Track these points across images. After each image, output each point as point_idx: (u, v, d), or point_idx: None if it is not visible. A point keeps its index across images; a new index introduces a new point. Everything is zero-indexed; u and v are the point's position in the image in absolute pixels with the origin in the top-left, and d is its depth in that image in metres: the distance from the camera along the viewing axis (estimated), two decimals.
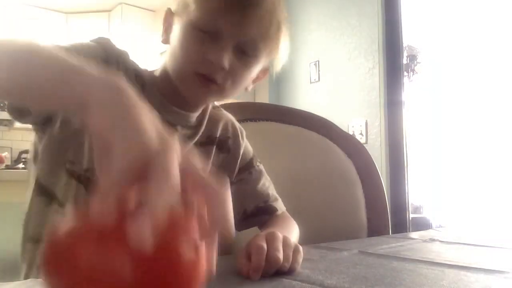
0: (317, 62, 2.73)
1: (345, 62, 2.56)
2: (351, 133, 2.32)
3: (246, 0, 0.63)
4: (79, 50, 0.59)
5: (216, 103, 0.83)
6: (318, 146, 1.09)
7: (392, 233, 1.11)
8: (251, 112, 1.05)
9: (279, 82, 3.00)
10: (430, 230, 1.01)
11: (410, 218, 2.34)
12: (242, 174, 0.79)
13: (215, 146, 0.76)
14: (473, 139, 4.53)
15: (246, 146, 0.82)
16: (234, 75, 0.65)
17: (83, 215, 0.27)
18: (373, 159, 1.13)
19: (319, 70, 2.72)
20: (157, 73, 0.72)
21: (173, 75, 0.67)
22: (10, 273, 0.65)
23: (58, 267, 0.27)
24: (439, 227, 3.56)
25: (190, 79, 0.65)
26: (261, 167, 0.83)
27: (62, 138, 0.62)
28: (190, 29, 0.64)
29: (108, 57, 0.65)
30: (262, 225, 0.79)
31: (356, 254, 0.63)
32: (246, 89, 0.72)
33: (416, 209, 4.07)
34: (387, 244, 0.73)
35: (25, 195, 0.66)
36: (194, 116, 0.73)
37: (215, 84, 0.64)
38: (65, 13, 3.91)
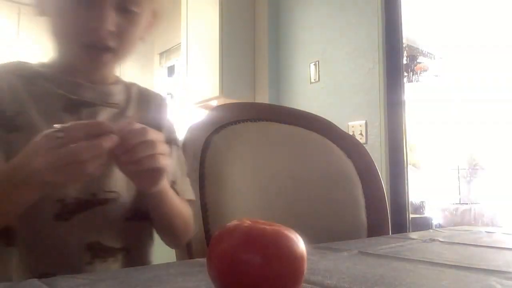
0: (317, 62, 2.73)
1: (345, 62, 2.56)
2: (351, 133, 2.32)
3: None
4: None
5: (216, 104, 0.82)
6: (318, 146, 1.09)
7: (392, 233, 1.11)
8: (251, 112, 1.05)
9: (279, 82, 3.00)
10: (430, 230, 1.01)
11: (410, 218, 2.34)
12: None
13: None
14: (473, 139, 4.53)
15: (170, 121, 0.78)
16: (123, 34, 0.62)
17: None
18: (373, 159, 1.13)
19: (319, 70, 2.72)
20: (51, 60, 0.67)
21: (62, 53, 0.64)
22: None
23: (213, 257, 0.36)
24: (439, 227, 3.56)
25: (80, 52, 0.61)
26: (180, 149, 0.79)
27: None
28: None
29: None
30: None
31: (356, 254, 0.63)
32: (142, 39, 0.69)
33: (416, 209, 4.07)
34: (387, 244, 0.73)
35: None
36: (115, 88, 0.69)
37: (107, 50, 0.61)
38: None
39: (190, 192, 0.77)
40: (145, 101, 0.76)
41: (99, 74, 0.68)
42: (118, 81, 0.73)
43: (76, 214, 0.61)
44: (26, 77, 0.64)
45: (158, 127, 0.72)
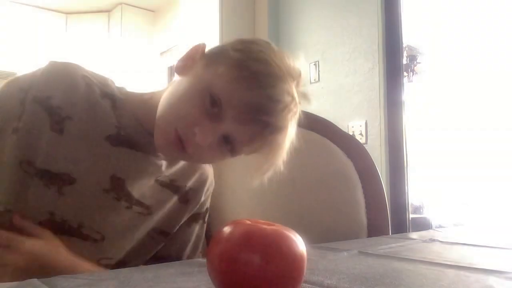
0: (317, 62, 2.73)
1: (345, 62, 2.56)
2: (351, 133, 2.32)
3: (269, 120, 0.60)
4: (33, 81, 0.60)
5: None
6: (318, 146, 1.09)
7: (392, 233, 1.11)
8: None
9: None
10: (430, 230, 1.01)
11: (410, 218, 2.34)
12: (184, 223, 0.76)
13: (177, 196, 0.73)
14: (473, 139, 4.53)
15: (206, 199, 0.79)
16: (208, 154, 0.63)
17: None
18: (373, 159, 1.13)
19: (319, 70, 2.72)
20: (146, 97, 0.68)
21: (157, 116, 0.64)
22: None
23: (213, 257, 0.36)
24: (439, 227, 3.56)
25: (167, 132, 0.61)
26: (204, 225, 0.80)
27: None
28: (205, 89, 0.60)
29: (56, 75, 0.63)
30: None
31: (356, 254, 0.63)
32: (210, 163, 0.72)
33: (416, 209, 4.08)
34: (387, 244, 0.73)
35: None
36: (164, 164, 0.70)
37: (186, 152, 0.61)
38: (65, 13, 3.90)
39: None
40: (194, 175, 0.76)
41: (158, 152, 0.67)
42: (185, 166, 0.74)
43: (56, 233, 0.61)
44: (98, 90, 0.65)
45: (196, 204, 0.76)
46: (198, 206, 0.77)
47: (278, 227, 0.37)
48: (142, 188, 0.67)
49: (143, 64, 4.07)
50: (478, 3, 3.75)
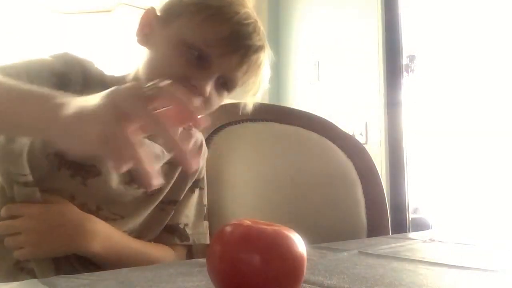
0: (317, 63, 2.73)
1: (345, 62, 2.56)
2: (351, 133, 2.32)
3: (249, 43, 0.63)
4: (29, 69, 0.59)
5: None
6: (318, 146, 1.09)
7: (392, 233, 1.11)
8: (251, 113, 1.05)
9: (279, 82, 3.00)
10: (429, 230, 1.01)
11: (410, 219, 2.34)
12: (187, 191, 0.78)
13: (180, 166, 0.74)
14: (473, 139, 4.53)
15: (203, 166, 0.81)
16: (210, 103, 0.65)
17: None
18: (373, 159, 1.13)
19: (319, 70, 2.72)
20: (128, 79, 0.69)
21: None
22: None
23: (213, 258, 0.37)
24: (439, 227, 3.56)
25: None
26: (203, 191, 0.81)
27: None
28: (179, 44, 0.62)
29: (69, 70, 0.63)
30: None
31: (356, 255, 0.63)
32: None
33: (416, 210, 4.08)
34: (387, 245, 0.73)
35: None
36: None
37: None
38: (65, 13, 3.90)
39: (205, 237, 0.78)
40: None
41: None
42: None
43: None
44: (86, 75, 0.66)
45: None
46: (197, 173, 0.78)
47: (278, 227, 0.37)
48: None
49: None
50: (478, 3, 3.75)
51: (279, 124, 1.07)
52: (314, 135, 1.09)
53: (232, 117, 1.00)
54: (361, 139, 2.35)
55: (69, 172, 0.61)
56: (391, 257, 0.61)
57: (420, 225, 3.73)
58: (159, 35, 0.64)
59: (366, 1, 2.46)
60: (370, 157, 1.13)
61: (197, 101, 0.62)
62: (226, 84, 0.66)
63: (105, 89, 0.64)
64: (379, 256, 0.62)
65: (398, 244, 0.74)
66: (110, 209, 0.66)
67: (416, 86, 4.29)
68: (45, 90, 0.45)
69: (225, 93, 0.67)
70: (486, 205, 4.12)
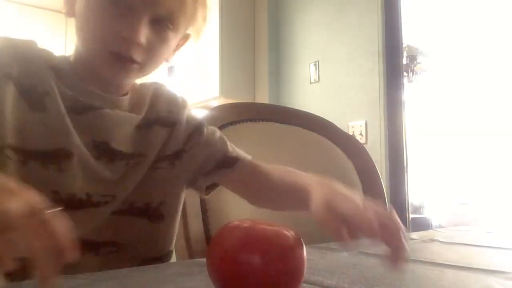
0: (317, 62, 2.73)
1: (345, 62, 2.56)
2: (351, 133, 2.32)
3: None
4: None
5: (214, 104, 0.81)
6: (318, 147, 1.09)
7: None
8: (251, 113, 1.05)
9: (279, 82, 3.00)
10: (430, 230, 1.01)
11: (410, 218, 2.34)
12: (193, 139, 0.74)
13: (159, 125, 0.71)
14: (473, 139, 4.53)
15: (190, 112, 0.77)
16: (153, 50, 0.60)
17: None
18: (373, 159, 1.13)
19: (319, 70, 2.72)
20: (72, 58, 0.65)
21: (85, 55, 0.62)
22: None
23: (213, 258, 0.37)
24: (439, 227, 3.56)
25: (105, 59, 0.59)
26: (215, 128, 0.79)
27: None
28: (97, 0, 0.58)
29: (18, 51, 0.60)
30: (226, 179, 0.75)
31: (356, 255, 0.63)
32: (166, 60, 0.67)
33: (416, 209, 4.08)
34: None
35: None
36: (124, 99, 0.67)
37: (133, 62, 0.59)
38: (65, 13, 3.91)
39: (244, 153, 0.77)
40: (163, 102, 0.73)
41: (116, 84, 0.66)
42: (132, 89, 0.71)
43: (65, 210, 0.59)
44: (50, 63, 0.63)
45: (181, 124, 0.73)
46: (188, 122, 0.75)
47: (278, 227, 0.37)
48: (128, 141, 0.66)
49: None
50: (478, 3, 3.75)
51: (279, 124, 1.07)
52: (314, 135, 1.09)
53: (232, 117, 1.00)
54: (361, 139, 2.35)
55: (38, 163, 0.58)
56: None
57: (420, 225, 3.73)
58: (80, 0, 0.60)
59: (366, 1, 2.46)
60: (370, 157, 1.13)
61: (136, 55, 0.58)
62: (162, 23, 0.60)
63: (53, 70, 0.61)
64: (379, 256, 0.62)
65: None
66: (99, 192, 0.63)
67: (416, 86, 4.29)
68: None
69: (170, 33, 0.61)
70: (486, 204, 4.12)
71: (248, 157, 0.77)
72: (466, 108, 4.58)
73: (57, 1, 3.67)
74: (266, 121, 1.06)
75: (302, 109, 1.17)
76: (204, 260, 0.38)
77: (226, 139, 0.78)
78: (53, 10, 3.85)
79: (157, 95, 0.73)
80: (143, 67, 0.61)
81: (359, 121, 2.43)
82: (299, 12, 2.90)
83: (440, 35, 4.22)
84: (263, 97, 2.96)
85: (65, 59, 0.65)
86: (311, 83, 2.77)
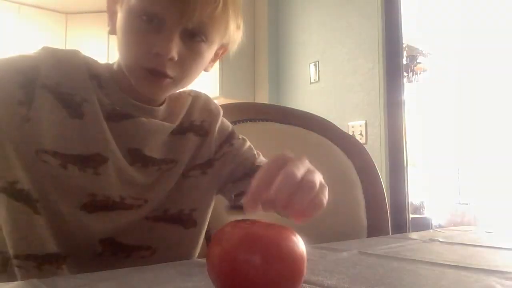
0: (317, 62, 2.73)
1: (345, 62, 2.56)
2: (350, 133, 2.32)
3: None
4: (10, 63, 0.59)
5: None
6: (318, 147, 1.09)
7: (392, 233, 1.11)
8: (251, 113, 1.05)
9: (279, 82, 3.00)
10: (430, 230, 1.01)
11: (410, 218, 2.34)
12: (224, 148, 0.76)
13: (192, 133, 0.73)
14: (473, 139, 4.53)
15: (223, 121, 0.79)
16: (186, 64, 0.61)
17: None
18: (373, 160, 1.13)
19: (319, 70, 2.72)
20: (115, 67, 0.67)
21: (124, 70, 0.63)
22: None
23: (213, 260, 0.37)
24: (439, 227, 3.56)
25: (139, 75, 0.61)
26: (244, 138, 0.80)
27: None
28: (131, 18, 0.59)
29: (58, 61, 0.62)
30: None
31: (356, 255, 0.63)
32: (205, 70, 0.68)
33: (416, 209, 4.08)
34: (387, 245, 0.73)
35: None
36: (159, 109, 0.69)
37: (167, 77, 0.60)
38: (65, 13, 3.90)
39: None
40: (198, 110, 0.76)
41: (154, 98, 0.68)
42: (167, 98, 0.73)
43: (100, 211, 0.62)
44: (91, 71, 0.65)
45: (214, 133, 0.76)
46: (220, 131, 0.77)
47: (278, 227, 0.37)
48: (161, 148, 0.69)
49: None
50: (478, 3, 3.75)
51: (279, 124, 1.07)
52: (314, 135, 1.09)
53: (232, 117, 1.00)
54: (361, 139, 2.35)
55: (77, 167, 0.60)
56: (391, 257, 0.61)
57: (420, 225, 3.73)
58: (119, 18, 0.62)
59: (366, 1, 2.46)
60: (370, 157, 1.13)
61: (169, 70, 0.59)
62: (195, 34, 0.60)
63: (95, 79, 0.64)
64: (379, 256, 0.62)
65: (398, 244, 0.74)
66: (132, 196, 0.65)
67: (416, 86, 4.29)
68: None
69: (202, 44, 0.61)
70: (486, 204, 4.12)
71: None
72: (466, 108, 4.58)
73: (57, 1, 3.66)
74: (266, 121, 1.06)
75: (302, 109, 1.17)
76: (204, 260, 0.38)
77: (253, 147, 0.80)
78: (53, 10, 3.84)
79: (194, 104, 0.76)
80: (177, 81, 0.63)
81: (359, 121, 2.43)
82: (299, 12, 2.90)
83: (440, 35, 4.22)
84: (263, 97, 2.96)
85: (108, 67, 0.68)
86: (311, 83, 2.77)
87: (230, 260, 0.35)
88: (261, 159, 0.79)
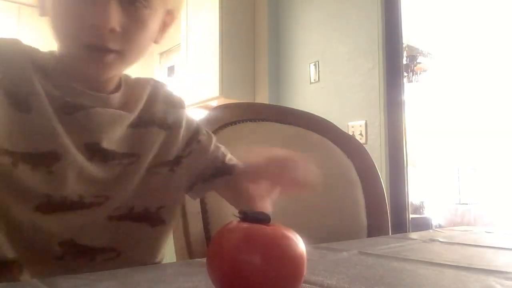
0: (317, 62, 2.73)
1: (345, 62, 2.56)
2: (351, 133, 2.32)
3: None
4: None
5: (216, 104, 0.80)
6: (318, 147, 1.09)
7: (392, 233, 1.11)
8: (251, 113, 1.05)
9: (279, 82, 3.00)
10: (430, 230, 1.01)
11: (410, 218, 2.34)
12: (191, 145, 0.72)
13: (155, 126, 0.68)
14: (473, 139, 4.53)
15: (188, 116, 0.75)
16: (130, 34, 0.55)
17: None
18: (373, 159, 1.13)
19: (319, 70, 2.72)
20: (58, 53, 0.61)
21: (65, 54, 0.58)
22: None
23: (213, 259, 0.37)
24: (439, 227, 3.56)
25: (80, 54, 0.55)
26: (210, 133, 0.77)
27: None
28: None
29: (19, 54, 0.58)
30: (227, 186, 0.74)
31: (356, 255, 0.63)
32: (156, 42, 0.63)
33: (416, 209, 4.08)
34: (387, 245, 0.73)
35: None
36: (115, 97, 0.63)
37: (110, 52, 0.55)
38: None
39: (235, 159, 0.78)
40: (160, 102, 0.71)
41: (101, 78, 0.62)
42: (123, 83, 0.68)
43: (56, 212, 0.58)
44: (35, 62, 0.60)
45: (179, 126, 0.71)
46: (187, 127, 0.73)
47: (278, 227, 0.37)
48: (120, 140, 0.64)
49: (143, 64, 4.07)
50: (478, 3, 3.75)
51: (279, 124, 1.07)
52: (314, 135, 1.09)
53: (232, 117, 1.00)
54: (361, 139, 2.35)
55: (29, 166, 0.55)
56: (391, 257, 0.61)
57: (420, 225, 3.73)
58: None
59: (366, 1, 2.46)
60: (370, 157, 1.13)
61: (112, 43, 0.54)
62: (134, 2, 0.55)
63: (40, 70, 0.58)
64: (379, 256, 0.62)
65: (398, 244, 0.74)
66: (92, 193, 0.61)
67: (416, 86, 4.29)
68: None
69: (144, 10, 0.56)
70: (486, 204, 4.12)
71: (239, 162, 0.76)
72: (466, 108, 4.58)
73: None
74: (266, 121, 1.06)
75: (302, 109, 1.17)
76: (204, 260, 0.38)
77: (220, 145, 0.77)
78: None
79: (154, 94, 0.70)
80: (124, 55, 0.57)
81: (359, 121, 2.43)
82: (299, 12, 2.90)
83: (440, 35, 4.22)
84: (263, 97, 2.96)
85: (51, 55, 0.62)
86: (311, 83, 2.77)
87: (230, 260, 0.35)
88: (230, 157, 0.76)
